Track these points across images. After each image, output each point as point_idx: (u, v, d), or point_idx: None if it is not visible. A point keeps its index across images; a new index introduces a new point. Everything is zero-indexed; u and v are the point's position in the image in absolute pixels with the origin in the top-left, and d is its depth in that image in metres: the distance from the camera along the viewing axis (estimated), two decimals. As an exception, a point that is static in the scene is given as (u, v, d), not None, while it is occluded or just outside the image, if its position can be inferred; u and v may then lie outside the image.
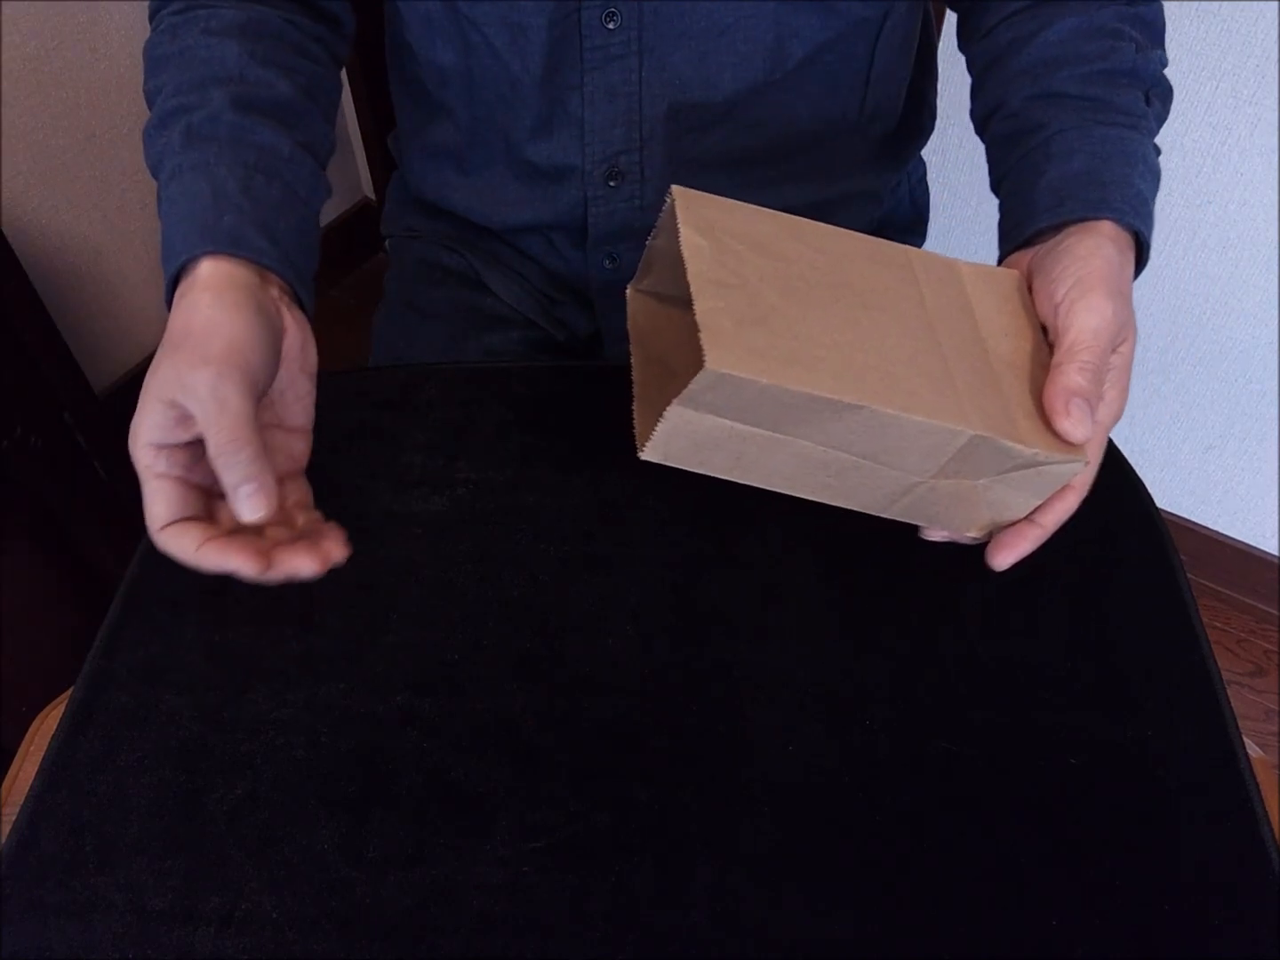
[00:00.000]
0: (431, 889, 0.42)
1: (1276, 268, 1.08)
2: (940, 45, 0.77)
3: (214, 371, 0.40)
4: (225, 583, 0.51)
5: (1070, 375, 0.42)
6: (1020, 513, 0.46)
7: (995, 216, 0.53)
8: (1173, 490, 1.33)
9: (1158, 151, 0.52)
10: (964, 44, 0.61)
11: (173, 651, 0.49)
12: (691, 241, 0.41)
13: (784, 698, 0.47)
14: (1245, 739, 0.47)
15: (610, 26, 0.56)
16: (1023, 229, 0.49)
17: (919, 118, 0.72)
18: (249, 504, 0.41)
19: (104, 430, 1.09)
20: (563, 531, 0.53)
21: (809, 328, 0.40)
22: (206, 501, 0.43)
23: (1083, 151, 0.49)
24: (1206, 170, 1.05)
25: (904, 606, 0.51)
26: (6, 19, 1.12)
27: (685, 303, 0.40)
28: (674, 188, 0.43)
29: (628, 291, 0.50)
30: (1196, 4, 0.95)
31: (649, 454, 0.41)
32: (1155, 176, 0.51)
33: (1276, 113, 0.98)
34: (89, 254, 1.34)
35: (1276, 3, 0.91)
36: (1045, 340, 0.46)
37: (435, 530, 0.53)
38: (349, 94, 1.59)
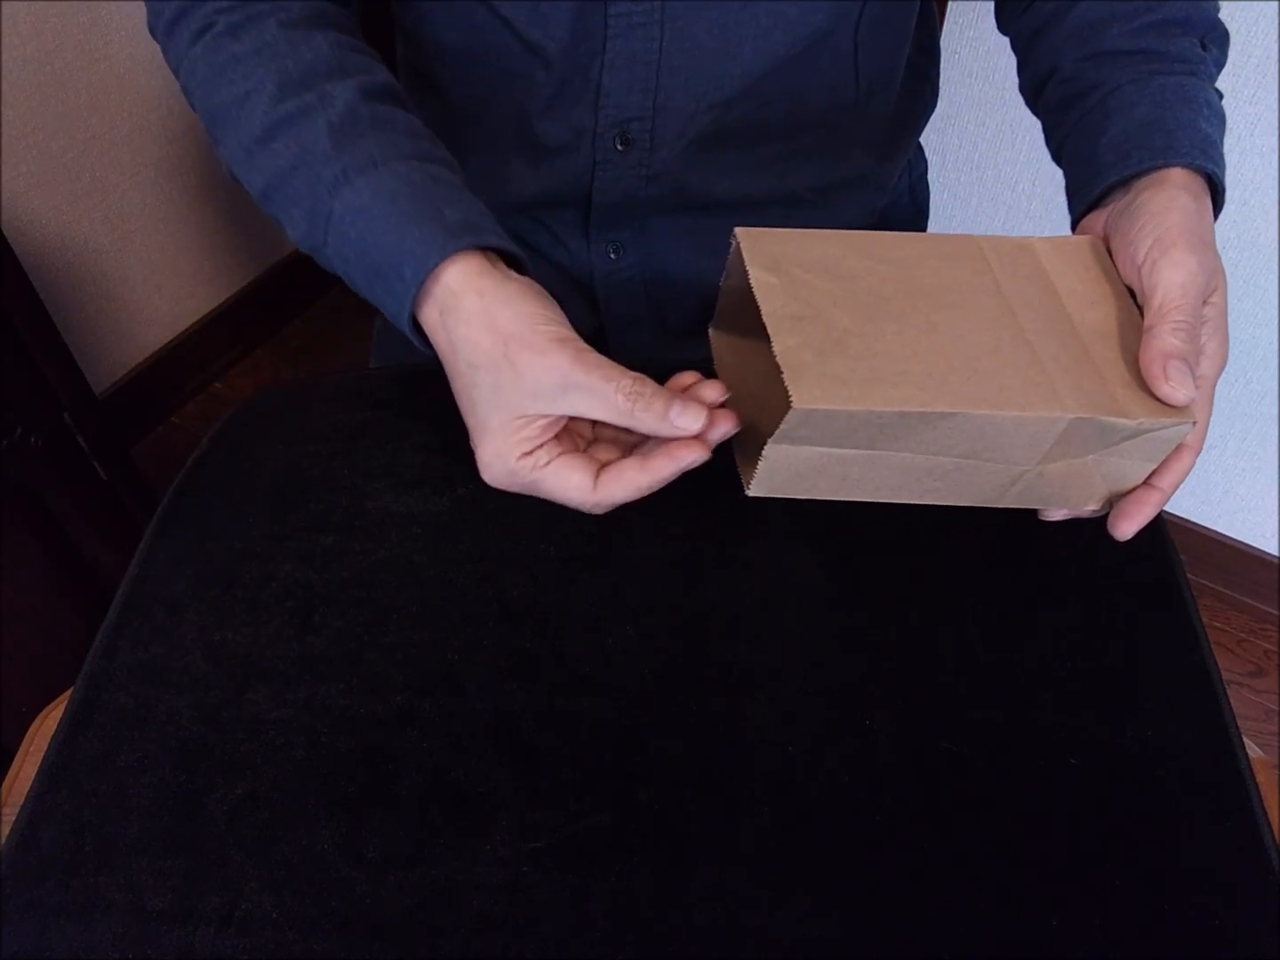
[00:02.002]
0: (431, 889, 0.42)
1: (1276, 268, 1.08)
2: (942, 44, 0.77)
3: (570, 352, 0.41)
4: (225, 583, 0.52)
5: (1164, 337, 0.41)
6: (1137, 479, 0.45)
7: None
8: (1173, 490, 1.33)
9: (1220, 96, 0.51)
10: (1004, 23, 0.61)
11: (173, 651, 0.49)
12: (761, 281, 0.42)
13: (784, 698, 0.47)
14: (1245, 739, 0.47)
15: None
16: (1091, 188, 0.48)
17: (919, 99, 0.72)
18: (691, 416, 0.41)
19: (104, 430, 1.09)
20: (563, 531, 0.53)
21: (888, 343, 0.41)
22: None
23: (1143, 103, 0.48)
24: (1206, 170, 1.05)
25: (904, 606, 0.51)
26: (6, 20, 1.12)
27: (765, 335, 0.40)
28: (737, 230, 0.44)
29: (709, 332, 0.51)
30: (1196, 4, 0.95)
31: (754, 490, 0.42)
32: (1220, 120, 0.50)
33: (1276, 113, 0.98)
34: (89, 254, 1.34)
35: (1276, 3, 0.91)
36: (1133, 303, 0.45)
37: (435, 530, 0.53)
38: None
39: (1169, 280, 0.42)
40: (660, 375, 0.49)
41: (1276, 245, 1.06)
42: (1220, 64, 0.52)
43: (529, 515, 0.54)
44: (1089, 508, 0.46)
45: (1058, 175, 0.53)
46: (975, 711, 0.47)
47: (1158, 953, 0.41)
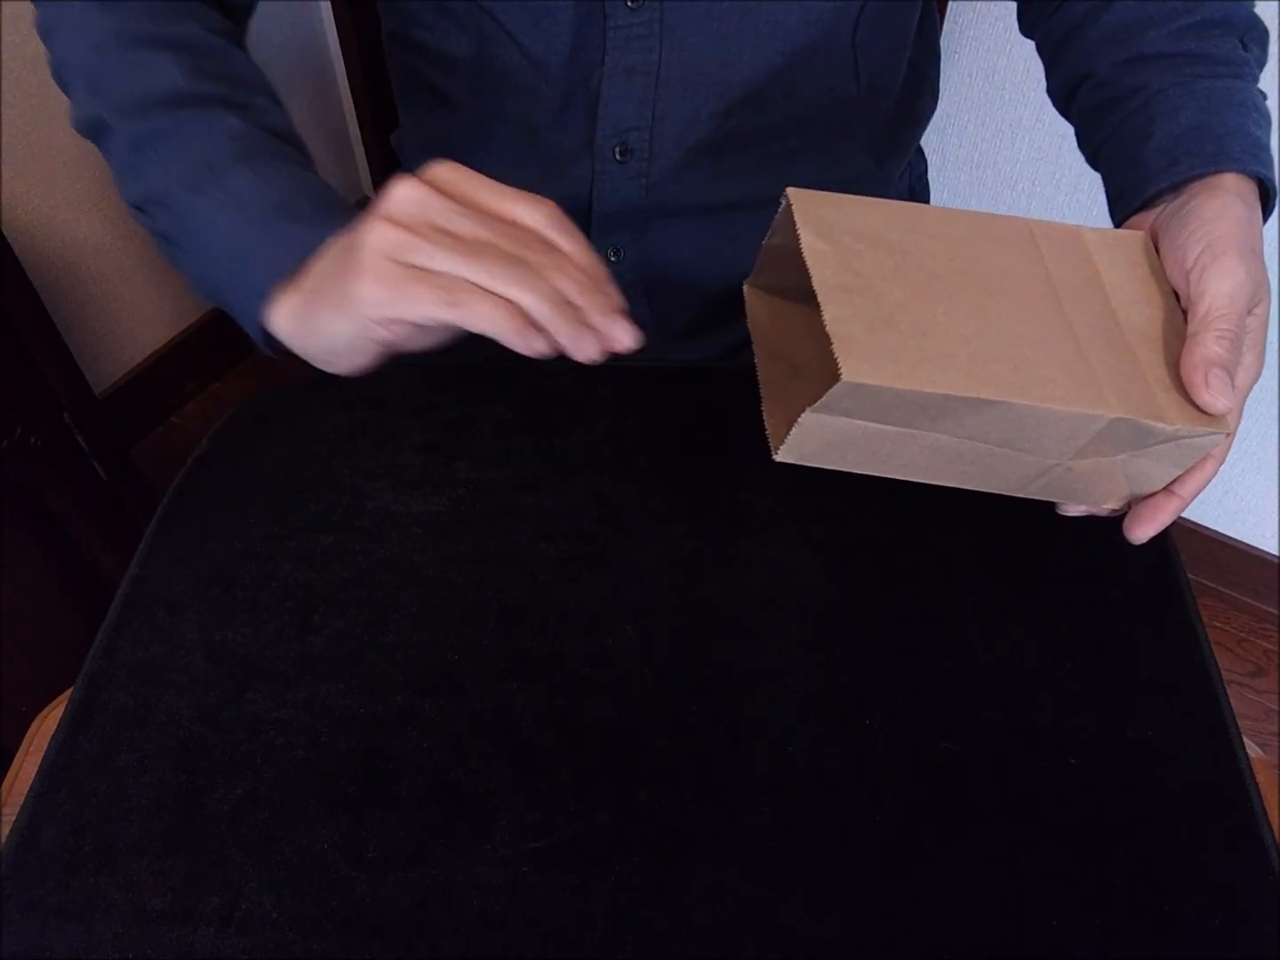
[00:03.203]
0: (431, 889, 0.42)
1: (1277, 268, 1.08)
2: (942, 44, 0.77)
3: None
4: (225, 583, 0.52)
5: (1208, 345, 0.41)
6: (1160, 484, 0.45)
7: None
8: (1173, 490, 1.33)
9: (1264, 96, 0.50)
10: (1029, 26, 0.61)
11: (173, 651, 0.49)
12: (813, 247, 0.41)
13: (784, 698, 0.47)
14: (1245, 739, 0.47)
15: (631, 5, 0.56)
16: (1139, 193, 0.48)
17: (920, 98, 0.72)
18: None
19: (104, 430, 1.09)
20: (563, 531, 0.53)
21: (937, 323, 0.40)
22: None
23: (1189, 107, 0.48)
24: (1206, 170, 1.05)
25: (904, 607, 0.51)
26: (6, 20, 1.12)
27: (806, 296, 0.40)
28: (788, 189, 0.43)
29: (745, 289, 0.50)
30: (1196, 4, 0.95)
31: (783, 456, 0.42)
32: (1268, 121, 0.50)
33: (1276, 112, 0.98)
34: (89, 254, 1.34)
35: (1276, 2, 0.91)
36: (1178, 305, 0.45)
37: (435, 530, 0.53)
38: (349, 94, 1.58)
39: (1217, 288, 0.42)
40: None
41: (1277, 245, 1.06)
42: (1262, 63, 0.52)
43: (529, 515, 0.54)
44: (1108, 506, 0.46)
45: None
46: (975, 711, 0.47)
47: (1158, 953, 0.41)
